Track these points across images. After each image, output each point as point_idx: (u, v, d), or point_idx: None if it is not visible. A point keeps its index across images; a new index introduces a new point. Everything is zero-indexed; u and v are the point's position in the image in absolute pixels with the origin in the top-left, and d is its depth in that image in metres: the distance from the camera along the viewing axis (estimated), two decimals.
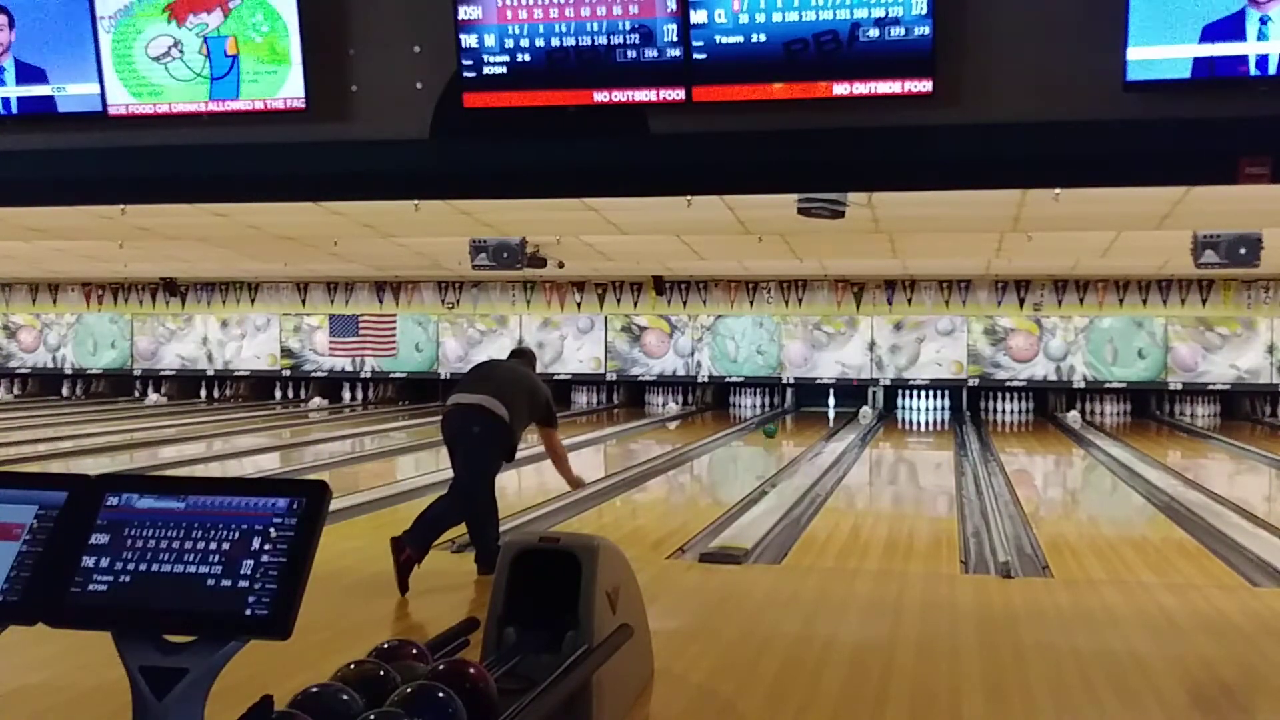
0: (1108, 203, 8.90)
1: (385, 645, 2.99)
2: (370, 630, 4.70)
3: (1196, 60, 3.75)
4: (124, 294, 19.83)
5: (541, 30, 4.12)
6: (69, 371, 20.25)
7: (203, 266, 16.88)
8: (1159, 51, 3.76)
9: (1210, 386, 16.62)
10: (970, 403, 17.49)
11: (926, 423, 17.04)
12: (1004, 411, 17.49)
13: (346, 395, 19.60)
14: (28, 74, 4.55)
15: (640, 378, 18.28)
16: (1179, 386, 16.74)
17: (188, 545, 2.01)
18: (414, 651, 2.98)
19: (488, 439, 5.63)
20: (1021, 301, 17.03)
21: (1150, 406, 17.29)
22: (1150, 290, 16.62)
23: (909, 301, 17.33)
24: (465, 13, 4.17)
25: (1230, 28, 3.71)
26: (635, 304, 18.16)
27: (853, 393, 17.66)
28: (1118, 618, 5.04)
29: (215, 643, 1.94)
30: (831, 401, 18.09)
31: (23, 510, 2.10)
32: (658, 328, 18.12)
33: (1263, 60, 3.71)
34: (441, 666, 2.80)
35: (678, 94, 4.08)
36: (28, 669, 3.98)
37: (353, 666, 2.76)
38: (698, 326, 17.97)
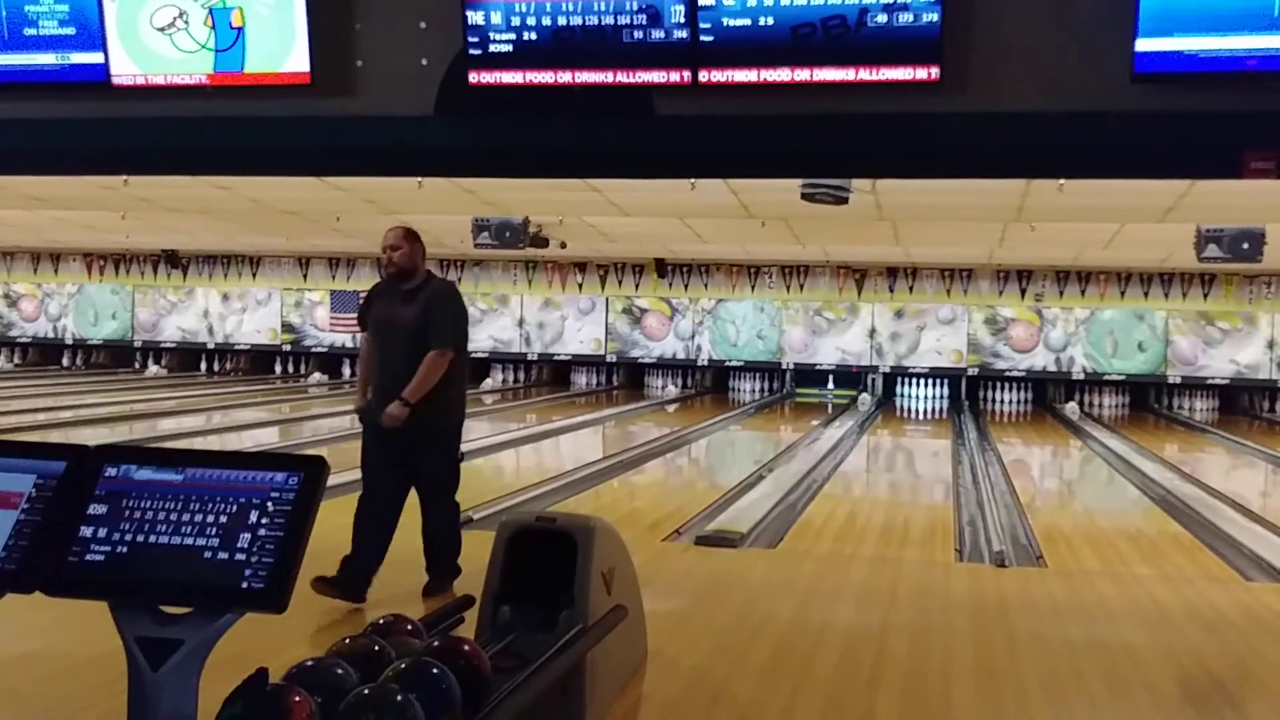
0: (1112, 194, 8.88)
1: (381, 621, 3.00)
2: (366, 606, 4.73)
3: (1205, 53, 3.73)
4: (125, 265, 19.81)
5: (548, 9, 4.10)
6: (69, 341, 20.25)
7: (204, 239, 16.85)
8: (1169, 43, 3.74)
9: (1209, 381, 16.63)
10: (969, 392, 17.51)
11: (925, 411, 17.05)
12: (1002, 401, 17.50)
13: (346, 371, 19.59)
14: (30, 41, 4.53)
15: (640, 360, 18.28)
16: (1178, 380, 16.74)
17: (185, 517, 2.01)
18: (409, 628, 2.99)
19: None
20: (1023, 292, 17.02)
21: (1149, 399, 17.30)
22: (1152, 283, 16.60)
23: (910, 289, 17.31)
24: None
25: (1240, 21, 3.70)
26: (637, 286, 18.14)
27: (851, 379, 17.69)
28: (1111, 609, 5.05)
29: (211, 615, 1.95)
30: (831, 386, 18.11)
31: (21, 479, 2.10)
32: (659, 310, 18.11)
33: (1271, 55, 3.69)
34: (436, 643, 2.81)
35: (684, 76, 4.07)
36: (25, 637, 4.00)
37: (348, 641, 2.78)
38: (699, 310, 17.96)
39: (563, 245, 14.45)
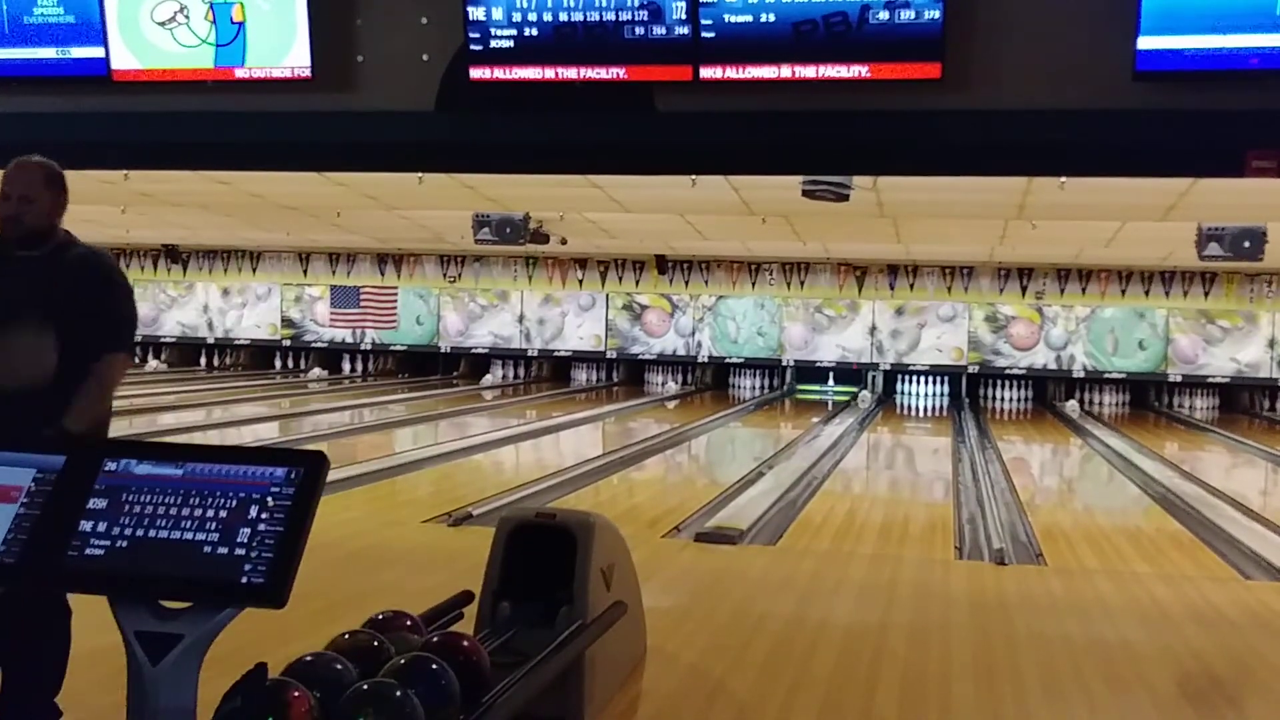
0: (1113, 192, 8.87)
1: (380, 616, 3.00)
2: (365, 601, 4.71)
3: (1207, 51, 3.73)
4: (125, 260, 19.77)
5: (550, 5, 4.10)
6: None
7: (205, 234, 16.84)
8: (1170, 41, 3.74)
9: (1210, 379, 16.62)
10: (969, 389, 17.49)
11: (925, 408, 17.05)
12: (1003, 399, 17.49)
13: (346, 366, 19.60)
14: (31, 35, 4.53)
15: (640, 356, 18.28)
16: (1179, 378, 16.73)
17: (185, 512, 2.01)
18: (408, 623, 2.99)
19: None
20: (1024, 289, 17.01)
21: (1149, 398, 17.29)
22: (1153, 281, 16.58)
23: (911, 287, 17.30)
24: None
25: (1242, 20, 3.69)
26: (637, 282, 18.13)
27: (852, 376, 17.69)
28: (1110, 607, 5.05)
29: (211, 609, 1.95)
30: (831, 383, 18.11)
31: (21, 473, 2.10)
32: (659, 307, 18.10)
33: (1273, 54, 3.69)
34: (435, 638, 2.82)
35: (685, 72, 4.06)
36: None
37: (347, 636, 2.77)
38: (699, 306, 17.96)
39: (563, 241, 14.44)
